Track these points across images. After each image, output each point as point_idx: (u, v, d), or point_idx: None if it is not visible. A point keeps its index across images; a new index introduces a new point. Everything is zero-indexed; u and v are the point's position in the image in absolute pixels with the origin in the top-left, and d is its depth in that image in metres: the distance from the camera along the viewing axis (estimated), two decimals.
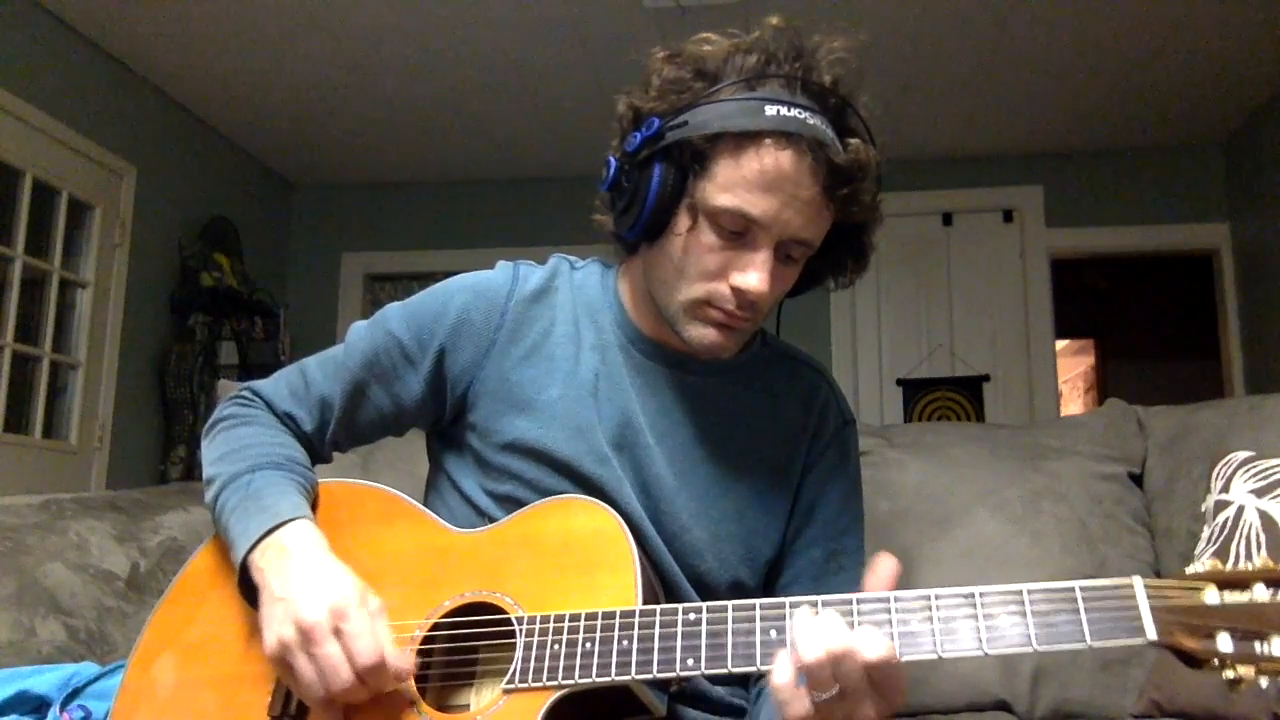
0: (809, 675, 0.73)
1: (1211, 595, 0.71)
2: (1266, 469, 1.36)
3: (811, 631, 0.74)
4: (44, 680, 1.05)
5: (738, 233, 0.92)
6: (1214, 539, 1.36)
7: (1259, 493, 1.34)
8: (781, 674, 0.75)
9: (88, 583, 1.36)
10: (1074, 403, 7.68)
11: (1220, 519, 1.37)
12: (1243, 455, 1.42)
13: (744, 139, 0.90)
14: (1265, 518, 1.30)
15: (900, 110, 4.40)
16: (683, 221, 0.94)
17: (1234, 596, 0.70)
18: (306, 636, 0.83)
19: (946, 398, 4.80)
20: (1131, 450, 1.68)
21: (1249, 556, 1.28)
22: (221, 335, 4.37)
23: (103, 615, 1.35)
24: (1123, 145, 4.80)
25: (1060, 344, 6.02)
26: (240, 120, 4.56)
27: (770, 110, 0.89)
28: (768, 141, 0.89)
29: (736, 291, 0.93)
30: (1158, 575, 1.51)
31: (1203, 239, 4.77)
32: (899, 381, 4.86)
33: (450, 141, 4.79)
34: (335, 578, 0.87)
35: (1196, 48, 3.85)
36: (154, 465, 4.16)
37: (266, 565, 0.89)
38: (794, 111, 0.90)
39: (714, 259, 0.93)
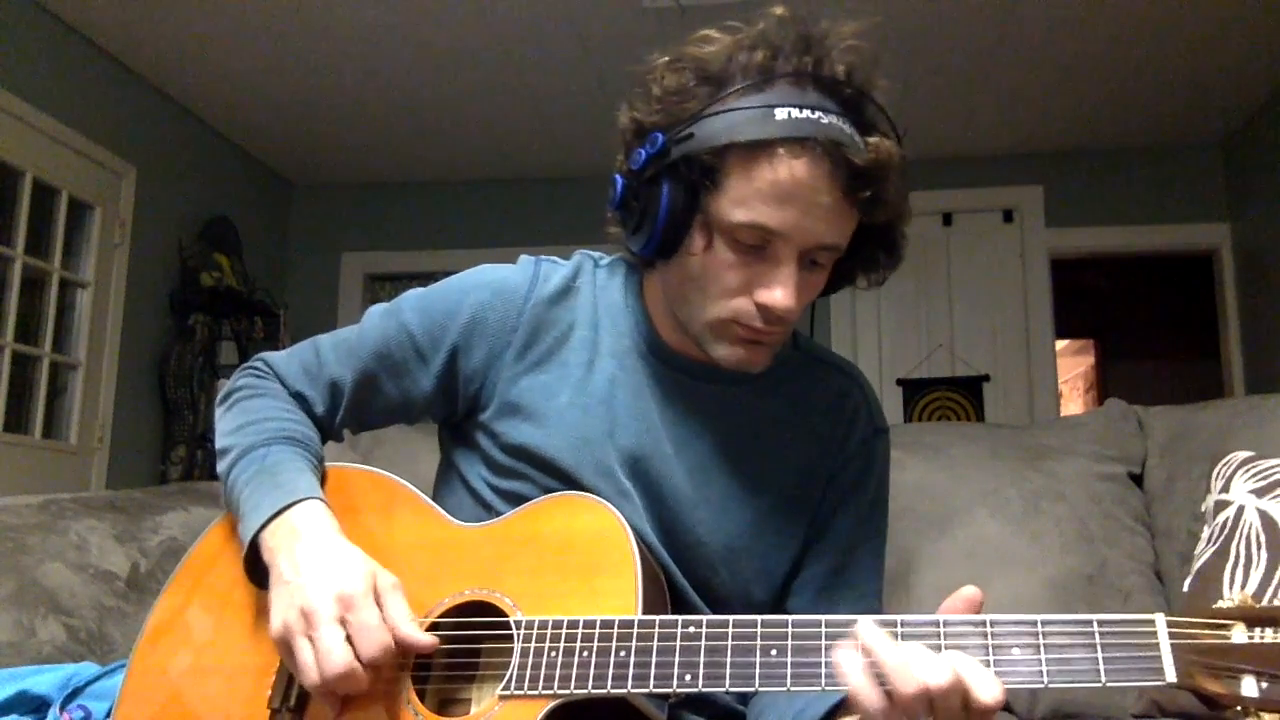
0: (903, 705, 0.69)
1: (1239, 634, 0.66)
2: (1266, 469, 1.36)
3: (917, 662, 0.69)
4: (44, 680, 1.05)
5: (757, 246, 0.87)
6: (1214, 539, 1.36)
7: (1259, 493, 1.34)
8: (869, 698, 0.70)
9: (88, 583, 1.36)
10: (1074, 403, 7.68)
11: (1220, 519, 1.37)
12: (1243, 455, 1.42)
13: (754, 149, 0.84)
14: (1265, 518, 1.30)
15: (900, 110, 4.39)
16: (697, 240, 0.89)
17: (1264, 636, 0.65)
18: (308, 621, 0.83)
19: (946, 398, 4.80)
20: (1131, 450, 1.67)
21: (1249, 557, 1.28)
22: (221, 335, 4.37)
23: (103, 615, 1.35)
24: (1123, 145, 4.80)
25: (1060, 344, 6.02)
26: (240, 120, 4.56)
27: (780, 114, 0.84)
28: (780, 150, 0.84)
29: (763, 308, 0.89)
30: (1158, 575, 1.51)
31: (1203, 239, 4.77)
32: (899, 381, 4.86)
33: (450, 141, 4.79)
34: (344, 564, 0.86)
35: (1196, 48, 3.85)
36: (154, 465, 4.16)
37: (276, 546, 0.89)
38: (805, 113, 0.84)
39: (735, 276, 0.89)
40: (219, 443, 1.02)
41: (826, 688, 0.74)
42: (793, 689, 0.75)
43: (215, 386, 4.18)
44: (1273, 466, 1.36)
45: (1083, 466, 1.63)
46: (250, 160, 4.95)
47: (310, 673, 0.82)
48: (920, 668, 0.68)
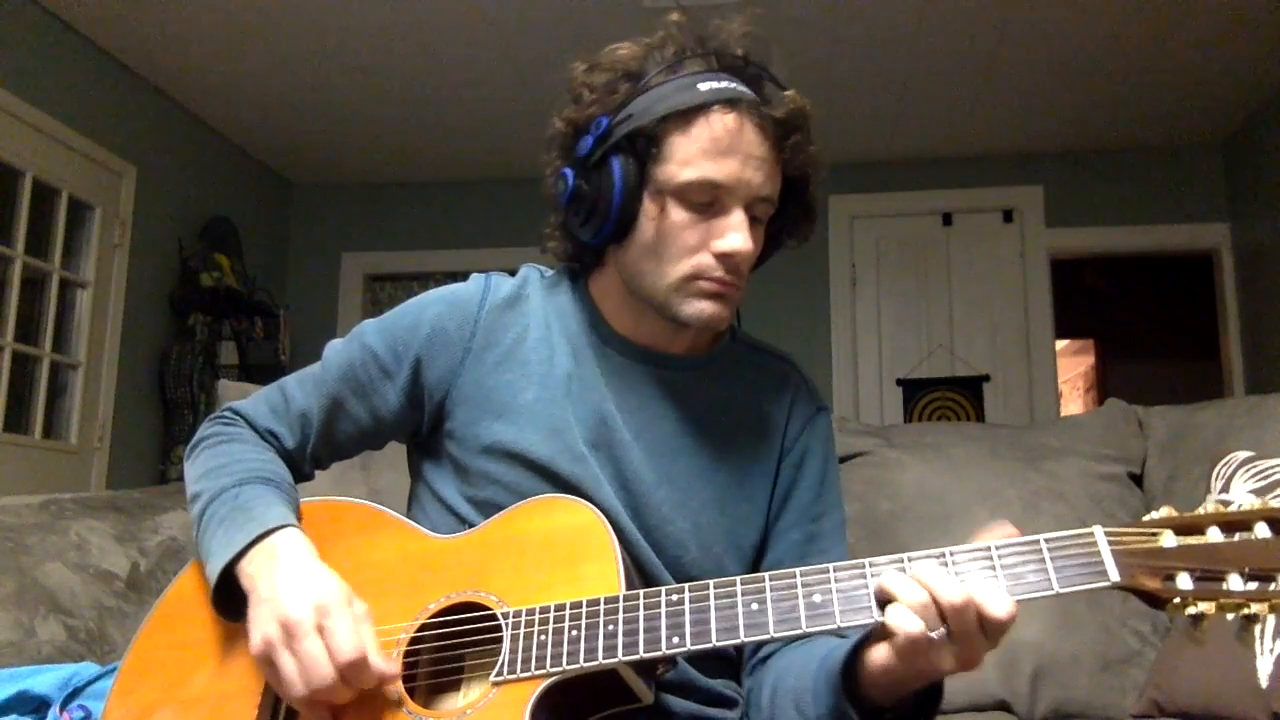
0: (926, 615, 0.75)
1: (1169, 539, 0.74)
2: (1266, 469, 1.36)
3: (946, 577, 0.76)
4: (44, 680, 1.05)
5: (706, 203, 0.96)
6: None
7: (1259, 493, 1.34)
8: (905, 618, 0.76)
9: (88, 583, 1.36)
10: (1074, 403, 7.68)
11: None
12: (1243, 455, 1.42)
13: (690, 113, 0.94)
14: None
15: (900, 110, 4.41)
16: (650, 209, 0.97)
17: (1190, 540, 0.74)
18: (289, 633, 0.83)
19: (946, 398, 4.80)
20: (1131, 450, 1.68)
21: None
22: (221, 335, 4.37)
23: (103, 615, 1.35)
24: (1123, 145, 4.80)
25: (1060, 344, 6.02)
26: (240, 120, 4.56)
27: (704, 85, 0.95)
28: (714, 108, 0.94)
29: (721, 257, 0.96)
30: None
31: (1203, 239, 4.77)
32: (899, 381, 4.86)
33: (450, 141, 4.79)
34: (321, 578, 0.88)
35: (1196, 48, 3.85)
36: (154, 465, 4.16)
37: (255, 571, 0.90)
38: (724, 83, 0.95)
39: (691, 234, 0.96)
40: (190, 489, 1.03)
41: (808, 629, 0.80)
42: (775, 634, 0.80)
43: (215, 386, 4.17)
44: (1273, 466, 1.36)
45: (1083, 466, 1.63)
46: (250, 160, 4.95)
47: (295, 685, 0.83)
48: (942, 588, 0.75)
